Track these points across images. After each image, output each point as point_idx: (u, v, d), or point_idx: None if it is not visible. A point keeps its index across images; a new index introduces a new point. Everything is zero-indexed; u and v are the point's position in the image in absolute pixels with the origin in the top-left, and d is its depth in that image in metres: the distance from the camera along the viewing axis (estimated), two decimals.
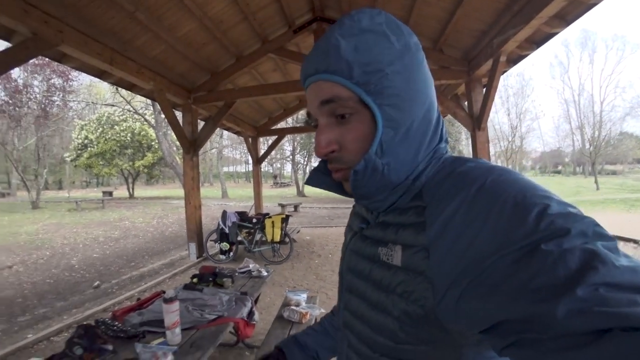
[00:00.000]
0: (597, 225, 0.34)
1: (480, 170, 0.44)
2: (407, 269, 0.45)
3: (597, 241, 0.32)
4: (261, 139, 10.51)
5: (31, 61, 15.97)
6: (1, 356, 2.75)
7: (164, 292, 2.18)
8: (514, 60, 4.79)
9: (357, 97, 0.46)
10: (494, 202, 0.38)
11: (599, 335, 0.27)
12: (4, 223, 11.78)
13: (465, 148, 28.40)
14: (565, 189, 23.04)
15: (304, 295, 2.64)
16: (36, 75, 17.44)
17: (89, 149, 22.67)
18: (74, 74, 18.00)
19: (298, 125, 18.68)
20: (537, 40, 4.27)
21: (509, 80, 35.68)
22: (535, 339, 0.30)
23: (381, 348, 0.49)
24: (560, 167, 64.94)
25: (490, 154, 5.25)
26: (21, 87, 16.64)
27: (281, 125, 10.35)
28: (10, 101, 16.23)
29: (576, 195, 17.89)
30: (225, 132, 24.42)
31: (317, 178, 0.58)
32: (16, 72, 16.95)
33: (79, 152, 23.03)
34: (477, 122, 5.07)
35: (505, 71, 5.05)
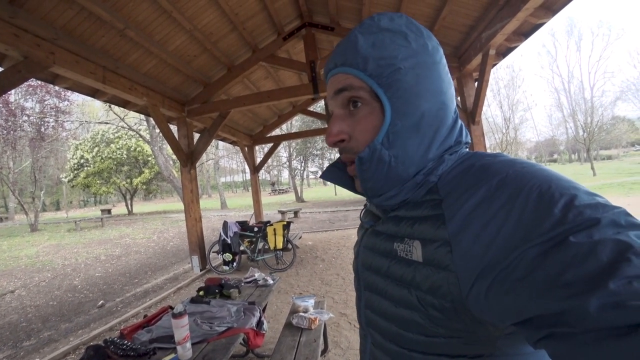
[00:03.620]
0: (629, 214, 0.33)
1: (501, 163, 0.44)
2: (430, 265, 0.44)
3: (630, 231, 0.31)
4: (257, 147, 10.51)
5: (25, 83, 15.99)
6: None
7: (171, 308, 2.16)
8: (503, 53, 4.83)
9: (369, 89, 0.49)
10: (517, 193, 0.38)
11: (634, 328, 0.26)
12: (4, 248, 11.68)
13: None
14: None
15: (312, 301, 2.63)
16: (30, 97, 17.39)
17: (85, 168, 22.59)
18: (68, 93, 17.98)
19: (293, 131, 18.68)
20: (525, 32, 4.31)
21: (499, 73, 35.90)
22: (569, 333, 0.30)
23: (410, 343, 0.48)
24: (555, 156, 65.36)
25: (486, 147, 5.27)
26: (15, 110, 16.57)
27: (276, 132, 10.35)
28: (4, 124, 16.16)
29: None
30: (221, 143, 24.43)
31: (331, 172, 0.60)
32: (10, 95, 16.91)
33: (75, 172, 22.93)
34: (471, 116, 5.09)
35: (495, 64, 5.09)
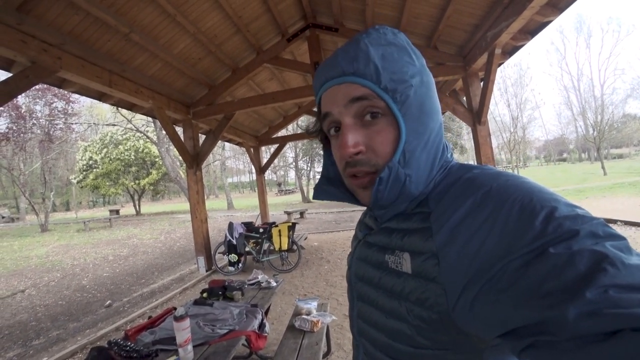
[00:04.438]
0: (606, 225, 0.34)
1: (486, 176, 0.45)
2: (418, 276, 0.45)
3: (607, 241, 0.32)
4: (263, 148, 10.55)
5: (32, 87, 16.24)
6: None
7: (175, 309, 2.18)
8: (509, 52, 4.77)
9: (384, 102, 0.47)
10: (500, 206, 0.39)
11: (610, 335, 0.27)
12: (15, 248, 11.91)
13: (467, 143, 28.20)
14: (571, 177, 22.83)
15: (315, 304, 2.63)
16: (38, 100, 17.68)
17: (94, 169, 22.89)
18: (75, 96, 18.23)
19: (299, 132, 18.72)
20: (531, 30, 4.25)
21: (506, 71, 35.57)
22: (550, 341, 0.30)
23: (399, 354, 0.49)
24: (565, 155, 64.53)
25: (493, 147, 5.21)
26: (24, 113, 16.87)
27: (282, 133, 10.37)
28: (14, 128, 16.46)
29: (583, 182, 17.68)
30: (227, 144, 24.62)
31: (325, 191, 0.58)
32: (19, 98, 17.20)
33: (84, 173, 23.26)
34: (477, 116, 5.04)
35: (501, 63, 5.02)
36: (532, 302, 0.32)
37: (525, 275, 0.33)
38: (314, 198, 0.60)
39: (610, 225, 0.36)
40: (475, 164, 0.53)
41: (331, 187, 0.58)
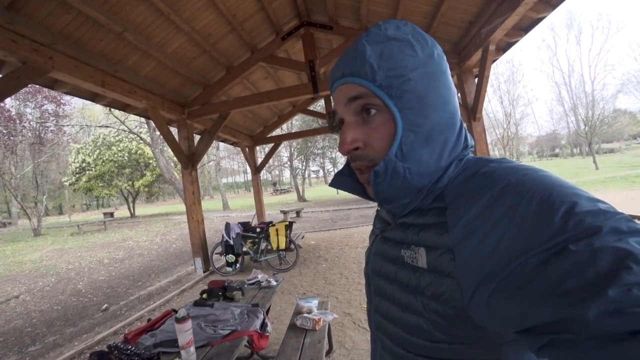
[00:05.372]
0: (630, 220, 0.33)
1: (503, 170, 0.44)
2: (434, 271, 0.45)
3: (631, 238, 0.31)
4: (258, 148, 10.51)
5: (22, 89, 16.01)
6: None
7: (174, 311, 2.16)
8: (503, 48, 4.80)
9: (380, 99, 0.48)
10: (518, 201, 0.38)
11: (633, 335, 0.26)
12: (8, 253, 11.73)
13: None
14: (564, 172, 23.05)
15: (315, 302, 2.62)
16: (28, 102, 17.44)
17: (87, 172, 22.63)
18: (66, 98, 18.00)
19: (294, 131, 18.69)
20: (525, 27, 4.28)
21: (499, 68, 35.90)
22: (570, 340, 0.29)
23: (416, 348, 0.49)
24: (557, 150, 65.23)
25: (487, 143, 5.25)
26: (14, 116, 16.62)
27: (277, 132, 10.34)
28: (4, 130, 16.21)
29: (576, 177, 17.88)
30: (222, 144, 24.44)
31: (341, 181, 0.60)
32: (8, 101, 16.95)
33: (77, 175, 22.98)
34: (472, 112, 5.07)
35: (495, 60, 5.06)
36: (551, 300, 0.31)
37: (544, 273, 0.32)
38: (330, 185, 0.61)
39: None
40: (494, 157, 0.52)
41: (348, 177, 0.59)
